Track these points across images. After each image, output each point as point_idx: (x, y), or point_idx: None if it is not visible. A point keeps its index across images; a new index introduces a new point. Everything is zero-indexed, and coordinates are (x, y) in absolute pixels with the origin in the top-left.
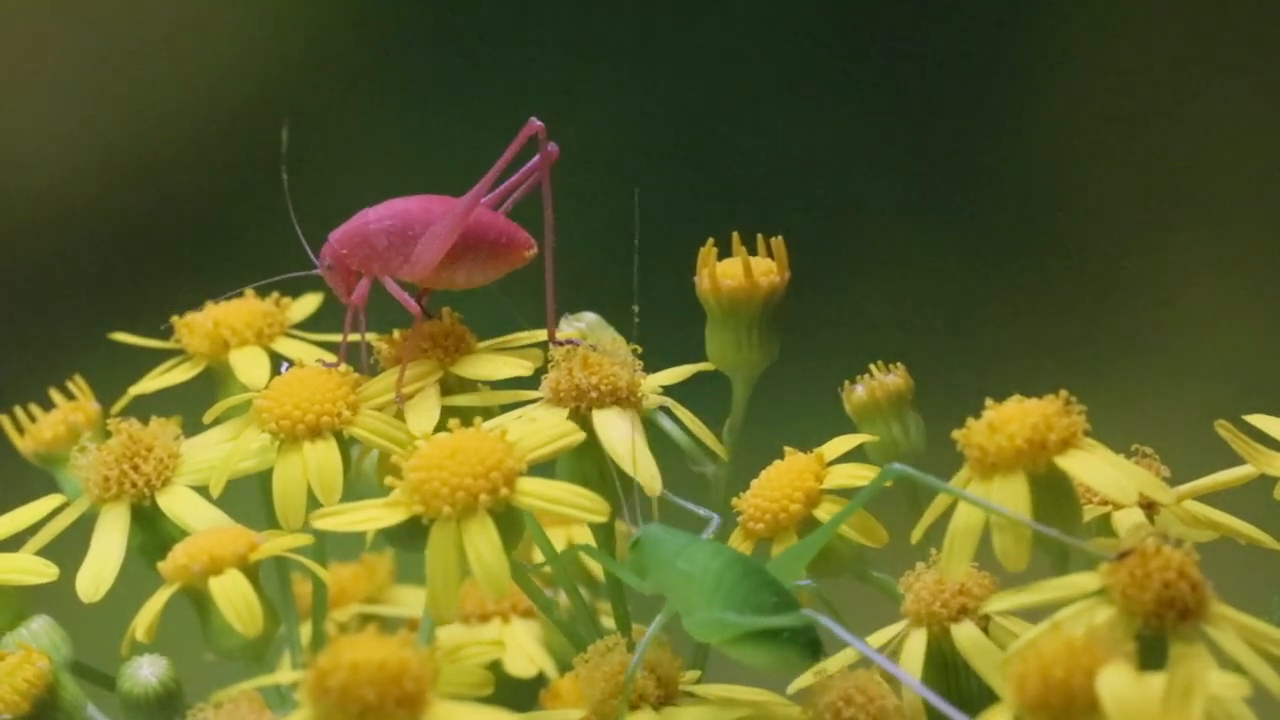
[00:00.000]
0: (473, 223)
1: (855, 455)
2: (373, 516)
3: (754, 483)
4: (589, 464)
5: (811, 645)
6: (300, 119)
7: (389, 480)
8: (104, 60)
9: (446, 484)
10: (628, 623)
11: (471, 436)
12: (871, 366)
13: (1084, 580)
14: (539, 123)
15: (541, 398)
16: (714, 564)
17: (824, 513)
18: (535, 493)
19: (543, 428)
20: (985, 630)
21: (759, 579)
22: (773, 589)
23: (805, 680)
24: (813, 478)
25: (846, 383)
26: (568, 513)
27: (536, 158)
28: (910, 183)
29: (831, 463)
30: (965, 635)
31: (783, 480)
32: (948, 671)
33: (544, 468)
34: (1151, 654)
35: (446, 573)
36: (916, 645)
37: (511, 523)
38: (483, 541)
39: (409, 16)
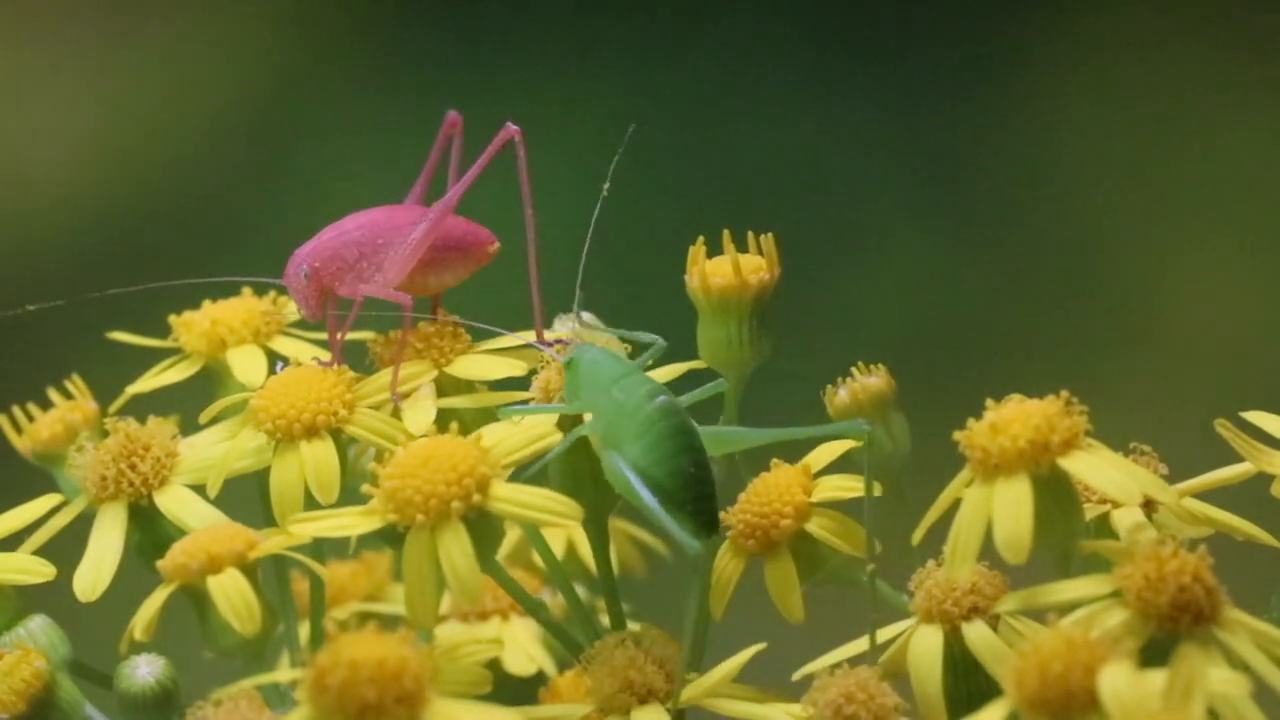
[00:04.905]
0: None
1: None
2: (348, 524)
3: (740, 496)
4: (582, 461)
5: (708, 526)
6: (296, 123)
7: (365, 488)
8: (104, 62)
9: (420, 491)
10: (623, 620)
11: (446, 443)
12: (853, 368)
13: (1098, 582)
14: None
15: (533, 398)
16: (648, 407)
17: (816, 527)
18: (509, 499)
19: (519, 430)
20: (994, 629)
21: (685, 441)
22: (695, 457)
23: (809, 669)
24: (801, 490)
25: (829, 387)
26: (541, 519)
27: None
28: (909, 182)
29: (819, 473)
30: (977, 635)
31: (770, 494)
32: (955, 669)
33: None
34: (1154, 653)
35: (422, 580)
36: (931, 642)
37: (488, 528)
38: (455, 549)
39: (402, 21)
